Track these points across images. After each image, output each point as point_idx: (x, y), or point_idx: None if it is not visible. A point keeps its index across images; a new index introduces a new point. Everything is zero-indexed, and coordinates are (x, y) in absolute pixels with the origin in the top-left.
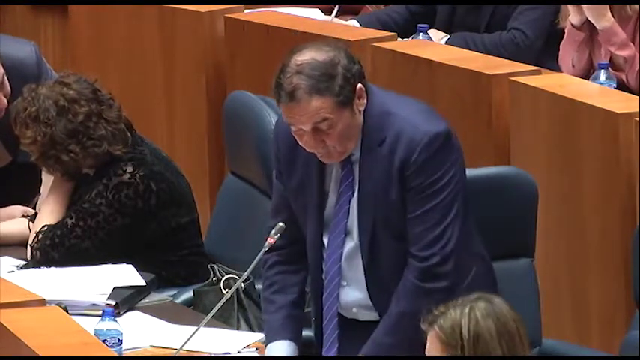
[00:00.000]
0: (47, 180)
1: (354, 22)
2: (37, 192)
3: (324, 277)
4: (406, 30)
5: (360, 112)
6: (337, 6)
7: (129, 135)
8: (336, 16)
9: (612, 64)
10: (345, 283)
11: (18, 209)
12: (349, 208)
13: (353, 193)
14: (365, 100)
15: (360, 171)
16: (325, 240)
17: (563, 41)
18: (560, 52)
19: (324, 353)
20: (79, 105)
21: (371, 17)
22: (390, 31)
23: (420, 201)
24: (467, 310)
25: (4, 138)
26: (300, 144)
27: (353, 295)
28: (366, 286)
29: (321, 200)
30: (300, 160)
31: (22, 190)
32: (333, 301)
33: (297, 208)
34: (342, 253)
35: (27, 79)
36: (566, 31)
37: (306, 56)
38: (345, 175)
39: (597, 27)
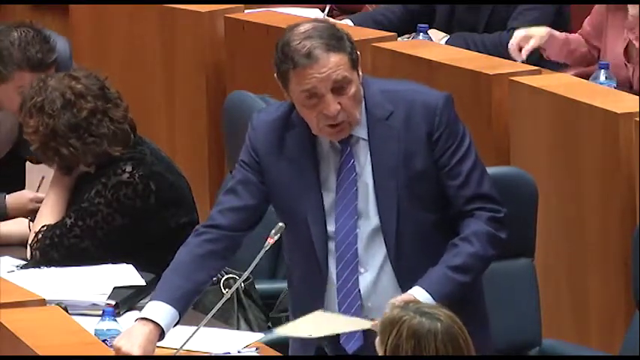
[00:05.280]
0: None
1: (347, 22)
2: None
3: (333, 267)
4: (402, 30)
5: (360, 82)
6: (328, 6)
7: (131, 136)
8: (329, 15)
9: (626, 55)
10: (362, 270)
11: (26, 194)
12: (356, 190)
13: (357, 175)
14: (361, 73)
15: (371, 149)
16: (331, 229)
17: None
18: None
19: (342, 343)
20: (85, 100)
21: (365, 17)
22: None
23: (457, 164)
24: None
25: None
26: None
27: (373, 281)
28: (391, 265)
29: (319, 189)
30: (287, 156)
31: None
32: (352, 287)
33: (288, 207)
34: (356, 237)
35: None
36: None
37: (307, 26)
38: (345, 159)
39: (630, 12)
